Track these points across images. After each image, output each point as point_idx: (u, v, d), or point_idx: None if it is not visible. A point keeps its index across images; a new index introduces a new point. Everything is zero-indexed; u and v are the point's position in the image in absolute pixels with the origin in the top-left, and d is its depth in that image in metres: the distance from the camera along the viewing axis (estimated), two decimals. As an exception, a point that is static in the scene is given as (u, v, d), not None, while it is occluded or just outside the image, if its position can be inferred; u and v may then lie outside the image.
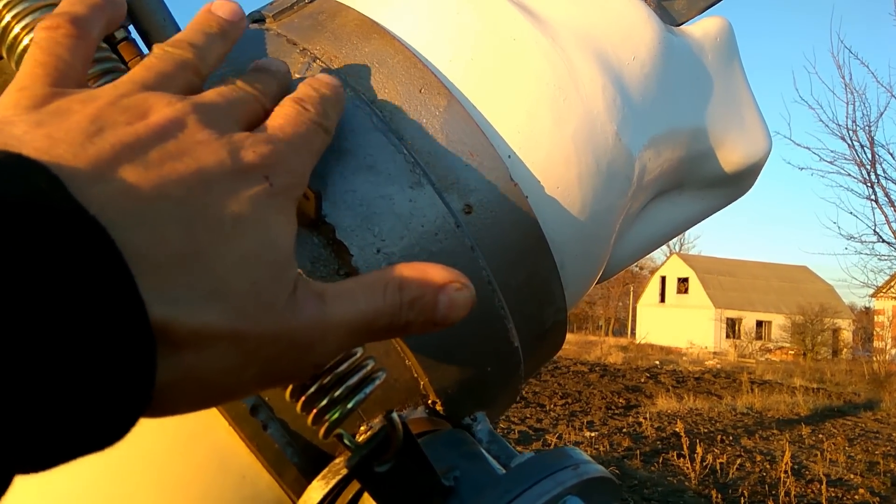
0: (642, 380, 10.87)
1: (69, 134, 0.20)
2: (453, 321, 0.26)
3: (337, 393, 0.25)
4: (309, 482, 0.29)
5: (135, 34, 0.34)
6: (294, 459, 0.29)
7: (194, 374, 0.20)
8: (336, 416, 0.25)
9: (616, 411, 7.72)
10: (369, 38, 0.33)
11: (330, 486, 0.28)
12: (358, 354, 0.26)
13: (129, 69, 0.28)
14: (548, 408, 7.51)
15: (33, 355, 0.16)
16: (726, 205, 0.50)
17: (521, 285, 0.34)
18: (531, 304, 0.35)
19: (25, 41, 0.26)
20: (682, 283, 25.97)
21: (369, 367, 0.25)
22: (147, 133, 0.21)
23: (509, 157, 0.33)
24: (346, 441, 0.25)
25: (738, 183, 0.48)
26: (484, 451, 0.31)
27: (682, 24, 0.45)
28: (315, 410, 0.25)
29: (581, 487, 0.26)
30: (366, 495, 0.28)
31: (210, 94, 0.25)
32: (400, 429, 0.25)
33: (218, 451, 0.29)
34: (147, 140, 0.21)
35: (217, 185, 0.21)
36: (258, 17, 0.36)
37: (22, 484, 0.17)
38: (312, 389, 0.25)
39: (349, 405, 0.25)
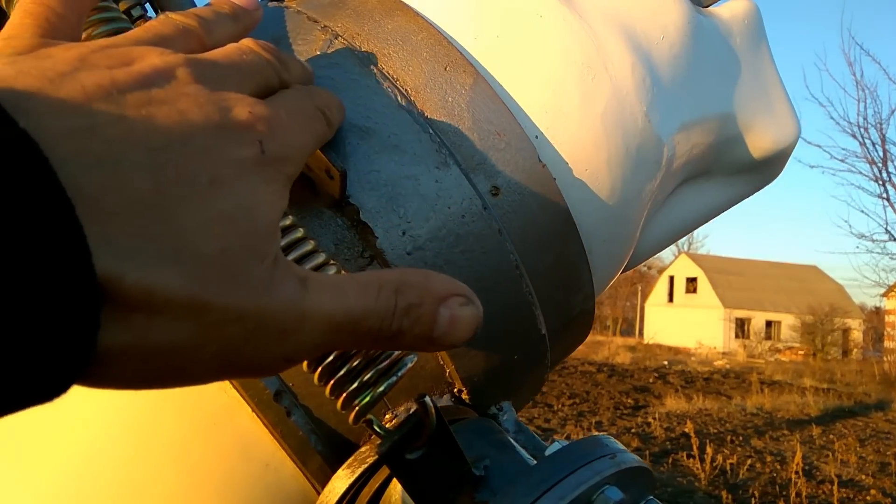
0: (651, 380, 10.83)
1: (41, 71, 0.18)
2: (452, 342, 0.23)
3: (367, 376, 0.24)
4: (333, 471, 0.28)
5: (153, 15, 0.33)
6: (318, 447, 0.28)
7: (143, 343, 0.18)
8: (366, 400, 0.24)
9: (624, 411, 7.69)
10: (392, 14, 0.32)
11: (356, 475, 0.27)
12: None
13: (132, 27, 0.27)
14: (556, 408, 7.48)
15: None
16: (753, 192, 0.49)
17: (549, 270, 0.33)
18: (559, 291, 0.34)
19: None
20: (691, 283, 25.86)
21: (399, 351, 0.24)
22: (127, 78, 0.19)
23: (536, 137, 0.32)
24: (375, 427, 0.24)
25: (766, 170, 0.47)
26: (512, 441, 0.30)
27: (707, 6, 0.44)
28: (344, 395, 0.24)
29: (619, 477, 0.25)
30: (392, 485, 0.27)
31: (212, 53, 0.23)
32: (433, 414, 0.24)
33: (241, 438, 0.28)
34: (126, 84, 0.19)
35: (199, 138, 0.20)
36: (277, -4, 0.35)
37: (43, 466, 0.16)
38: (342, 373, 0.24)
39: (380, 389, 0.24)
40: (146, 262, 0.17)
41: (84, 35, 0.26)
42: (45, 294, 0.15)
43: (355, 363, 0.24)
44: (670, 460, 5.50)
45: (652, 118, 0.36)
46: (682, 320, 23.78)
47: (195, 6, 0.33)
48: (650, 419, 7.12)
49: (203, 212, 0.19)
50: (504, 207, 0.31)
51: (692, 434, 5.60)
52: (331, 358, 0.24)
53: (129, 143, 0.18)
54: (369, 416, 0.24)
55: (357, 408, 0.24)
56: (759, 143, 0.45)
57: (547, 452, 0.27)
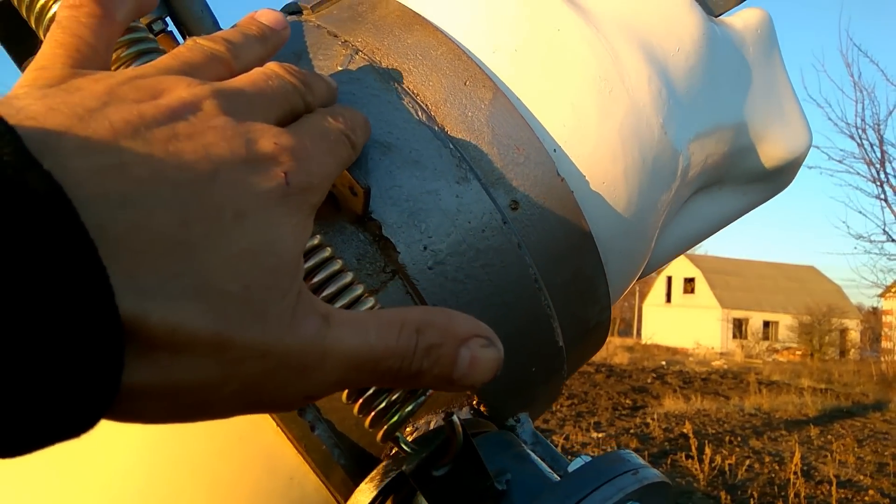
0: (649, 380, 10.84)
1: (70, 107, 0.18)
2: (472, 384, 0.23)
3: (395, 396, 0.24)
4: (356, 484, 0.28)
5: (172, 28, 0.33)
6: (341, 461, 0.28)
7: (167, 381, 0.18)
8: (395, 419, 0.24)
9: (623, 412, 7.70)
10: (411, 29, 0.32)
11: (379, 488, 0.27)
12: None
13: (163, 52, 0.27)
14: (554, 408, 7.48)
15: None
16: (765, 200, 0.49)
17: (567, 283, 0.33)
18: (576, 303, 0.34)
19: (54, 9, 0.25)
20: (689, 283, 25.89)
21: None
22: (154, 112, 0.19)
23: (555, 151, 0.33)
24: (403, 444, 0.24)
25: (779, 178, 0.47)
26: (532, 454, 0.30)
27: (719, 15, 0.44)
28: (373, 413, 0.24)
29: (641, 493, 0.25)
30: (415, 498, 0.27)
31: (238, 80, 0.23)
32: (460, 432, 0.24)
33: (266, 452, 0.28)
34: (153, 119, 0.19)
35: (225, 172, 0.19)
36: (295, 9, 0.35)
37: (75, 483, 0.16)
38: (371, 392, 0.24)
39: (408, 409, 0.24)
40: (170, 300, 0.17)
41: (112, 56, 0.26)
42: (71, 335, 0.15)
43: (384, 382, 0.24)
44: (669, 461, 5.50)
45: (668, 130, 0.36)
46: (679, 320, 23.82)
47: (214, 18, 0.33)
48: (649, 420, 7.13)
49: (227, 248, 0.19)
50: (523, 221, 0.31)
51: (691, 435, 5.61)
52: None
53: (156, 180, 0.18)
54: (396, 433, 0.24)
55: (386, 426, 0.24)
56: (773, 151, 0.45)
57: (570, 468, 0.27)
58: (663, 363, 14.58)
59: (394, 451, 0.29)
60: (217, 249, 0.19)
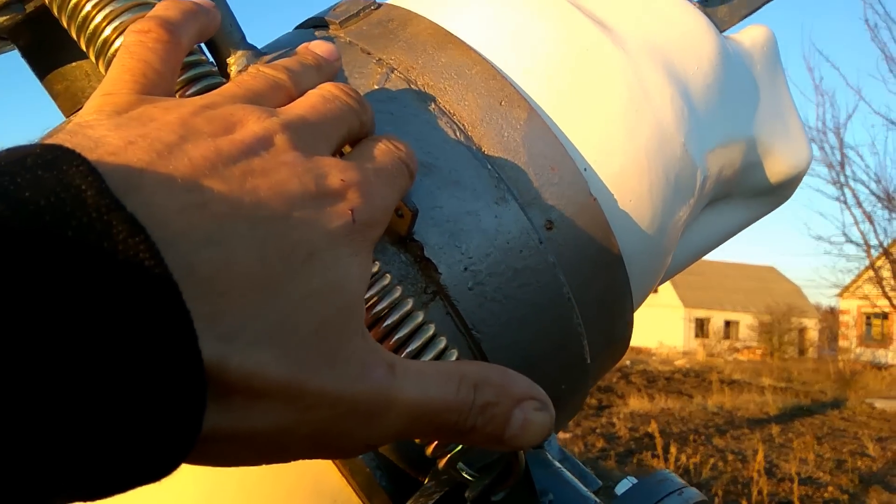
0: (614, 380, 10.96)
1: (148, 141, 0.18)
2: (521, 446, 0.23)
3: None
4: (398, 507, 0.28)
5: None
6: (383, 483, 0.28)
7: (241, 427, 0.18)
8: (458, 449, 0.24)
9: (589, 412, 7.77)
10: (444, 48, 0.32)
11: (425, 511, 0.27)
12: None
13: (220, 75, 0.26)
14: (523, 409, 7.51)
15: (50, 388, 0.14)
16: (767, 214, 0.50)
17: (597, 300, 0.33)
18: (604, 320, 0.34)
19: (117, 44, 0.25)
20: (652, 284, 26.20)
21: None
22: (231, 149, 0.19)
23: (585, 170, 0.33)
24: (465, 474, 0.25)
25: (781, 192, 0.48)
26: (566, 472, 0.31)
27: (723, 31, 0.45)
28: (436, 443, 0.24)
29: (687, 511, 0.26)
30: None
31: (300, 106, 0.23)
32: (524, 461, 0.24)
33: (313, 475, 0.28)
34: (230, 156, 0.19)
35: (298, 210, 0.19)
36: (321, 24, 0.35)
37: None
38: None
39: None
40: (248, 345, 0.17)
41: None
42: (156, 382, 0.15)
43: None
44: (635, 460, 5.58)
45: (689, 148, 0.37)
46: (643, 320, 24.12)
47: (242, 34, 0.33)
48: (615, 419, 7.21)
49: (300, 289, 0.19)
50: (558, 241, 0.31)
51: (656, 434, 5.69)
52: None
53: (237, 218, 0.18)
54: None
55: (450, 455, 0.24)
56: (777, 167, 0.46)
57: (618, 490, 0.27)
58: (628, 363, 14.76)
59: (432, 472, 0.29)
60: (291, 291, 0.18)
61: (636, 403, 8.45)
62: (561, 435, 6.39)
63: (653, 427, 6.03)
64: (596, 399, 8.63)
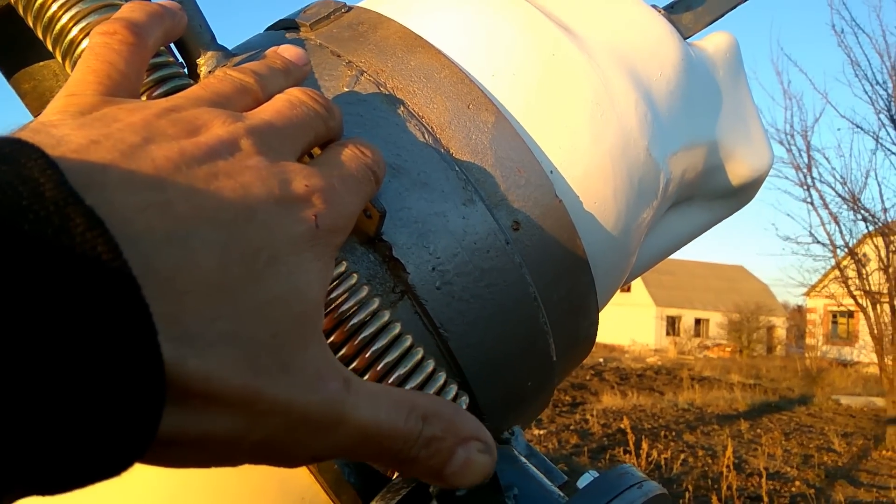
0: (587, 377, 11.05)
1: (111, 140, 0.18)
2: (459, 484, 0.23)
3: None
4: (366, 503, 0.28)
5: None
6: (351, 480, 0.28)
7: (197, 429, 0.18)
8: None
9: (563, 409, 7.83)
10: (414, 51, 0.33)
11: (392, 507, 0.27)
12: (442, 380, 0.25)
13: (187, 77, 0.27)
14: (496, 406, 7.54)
15: (11, 381, 0.14)
16: (729, 216, 0.51)
17: (562, 300, 0.34)
18: (570, 319, 0.35)
19: (84, 45, 0.25)
20: (625, 282, 26.45)
21: (454, 392, 0.25)
22: (195, 150, 0.19)
23: (551, 172, 0.34)
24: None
25: (743, 195, 0.49)
26: (532, 467, 0.31)
27: (688, 37, 0.46)
28: None
29: (646, 504, 0.27)
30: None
31: (266, 111, 0.23)
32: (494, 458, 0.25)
33: (279, 472, 0.28)
34: (194, 158, 0.19)
35: (261, 213, 0.19)
36: (292, 26, 0.35)
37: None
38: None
39: None
40: (206, 347, 0.17)
41: None
42: (114, 379, 0.15)
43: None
44: (608, 456, 5.64)
45: (652, 151, 0.38)
46: (616, 318, 24.31)
47: (212, 34, 0.33)
48: (588, 416, 7.27)
49: (260, 293, 0.19)
50: (524, 241, 0.32)
51: (628, 430, 5.74)
52: None
53: (199, 219, 0.18)
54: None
55: None
56: (739, 170, 0.47)
57: (579, 484, 0.28)
58: (601, 360, 14.88)
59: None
60: (251, 294, 0.18)
61: (609, 400, 8.52)
62: (535, 431, 6.43)
63: (625, 423, 6.09)
64: (570, 396, 8.70)
